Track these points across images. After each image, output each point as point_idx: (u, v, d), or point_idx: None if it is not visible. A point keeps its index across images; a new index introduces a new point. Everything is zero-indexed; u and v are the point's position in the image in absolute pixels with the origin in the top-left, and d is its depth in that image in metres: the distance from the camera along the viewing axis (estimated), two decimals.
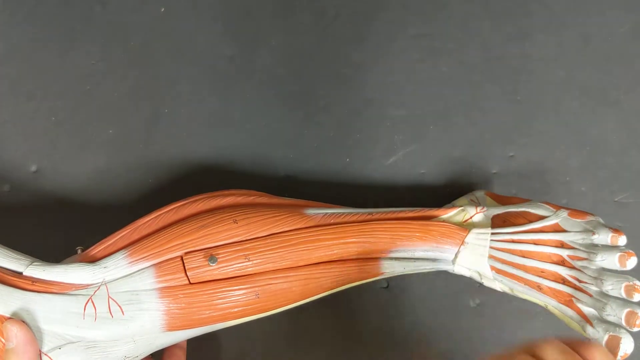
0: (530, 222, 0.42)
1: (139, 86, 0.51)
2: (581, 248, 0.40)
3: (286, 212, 0.44)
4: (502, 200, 0.46)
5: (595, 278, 0.39)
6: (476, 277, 0.44)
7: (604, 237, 0.39)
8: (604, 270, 0.39)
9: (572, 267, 0.40)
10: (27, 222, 0.49)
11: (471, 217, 0.44)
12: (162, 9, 0.52)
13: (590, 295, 0.39)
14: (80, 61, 0.51)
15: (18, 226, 0.49)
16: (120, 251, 0.39)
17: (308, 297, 0.42)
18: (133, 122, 0.51)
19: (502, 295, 0.50)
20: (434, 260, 0.43)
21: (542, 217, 0.42)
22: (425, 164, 0.52)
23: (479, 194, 0.48)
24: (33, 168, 0.50)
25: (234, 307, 0.39)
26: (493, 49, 0.53)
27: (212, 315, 0.39)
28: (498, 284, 0.43)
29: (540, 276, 0.41)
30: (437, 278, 0.50)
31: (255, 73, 0.52)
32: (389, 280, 0.50)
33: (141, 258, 0.39)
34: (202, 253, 0.39)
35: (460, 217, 0.44)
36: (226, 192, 0.46)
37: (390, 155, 0.52)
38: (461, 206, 0.45)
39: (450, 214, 0.44)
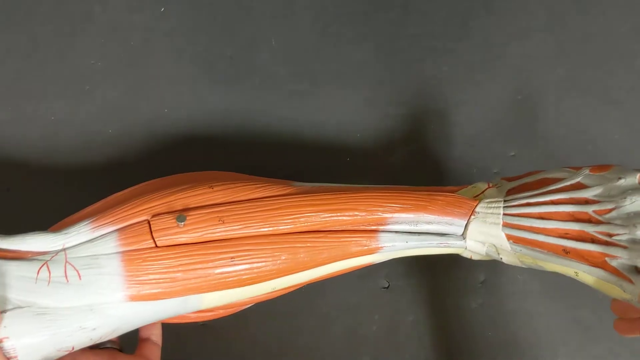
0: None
1: (139, 86, 0.49)
2: (607, 199, 0.34)
3: (270, 181, 0.40)
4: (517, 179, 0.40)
5: (626, 226, 0.33)
6: (493, 252, 0.38)
7: (631, 179, 0.34)
8: (636, 214, 0.34)
9: (600, 222, 0.34)
10: (25, 223, 0.49)
11: (482, 192, 0.39)
12: (162, 9, 0.51)
13: (625, 247, 0.33)
14: (80, 61, 0.49)
15: (15, 227, 0.48)
16: (85, 219, 0.36)
17: (298, 271, 0.37)
18: (133, 122, 0.49)
19: (503, 296, 0.49)
20: (441, 235, 0.38)
21: (561, 180, 0.37)
22: (425, 164, 0.50)
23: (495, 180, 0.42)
24: (33, 167, 0.49)
25: (207, 275, 0.34)
26: (493, 48, 0.52)
27: (181, 283, 0.34)
28: (518, 257, 0.37)
29: (564, 238, 0.35)
30: (438, 278, 0.49)
31: (255, 73, 0.51)
32: (390, 280, 0.49)
33: (105, 223, 0.35)
34: (171, 215, 0.35)
35: (470, 194, 0.39)
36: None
37: (391, 154, 0.51)
38: (472, 184, 0.40)
39: (460, 191, 0.39)
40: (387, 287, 0.48)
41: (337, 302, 0.47)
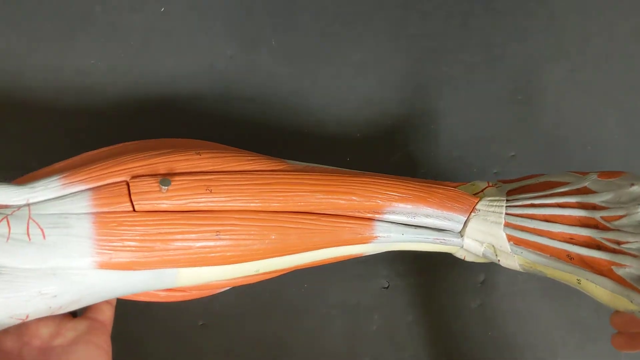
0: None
1: (139, 86, 0.49)
2: (617, 206, 0.32)
3: (263, 155, 0.36)
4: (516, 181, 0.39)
5: (637, 234, 0.31)
6: (490, 254, 0.36)
7: None
8: None
9: (608, 229, 0.32)
10: None
11: (482, 191, 0.37)
12: (162, 9, 0.50)
13: (635, 256, 0.31)
14: (80, 61, 0.48)
15: None
16: (56, 174, 0.32)
17: (286, 253, 0.34)
18: (132, 122, 0.48)
19: (503, 296, 0.47)
20: (438, 230, 0.36)
21: (566, 184, 0.34)
22: (425, 164, 0.49)
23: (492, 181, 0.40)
24: (32, 166, 0.49)
25: (188, 247, 0.31)
26: (493, 48, 0.51)
27: (158, 254, 0.31)
28: (517, 260, 0.35)
29: (569, 242, 0.33)
30: (438, 278, 0.48)
31: (255, 73, 0.50)
32: (390, 280, 0.48)
33: (78, 180, 0.31)
34: (154, 179, 0.31)
35: (469, 192, 0.37)
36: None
37: (391, 154, 0.50)
38: (470, 182, 0.38)
39: (459, 187, 0.38)
40: (387, 287, 0.48)
41: (337, 302, 0.47)
